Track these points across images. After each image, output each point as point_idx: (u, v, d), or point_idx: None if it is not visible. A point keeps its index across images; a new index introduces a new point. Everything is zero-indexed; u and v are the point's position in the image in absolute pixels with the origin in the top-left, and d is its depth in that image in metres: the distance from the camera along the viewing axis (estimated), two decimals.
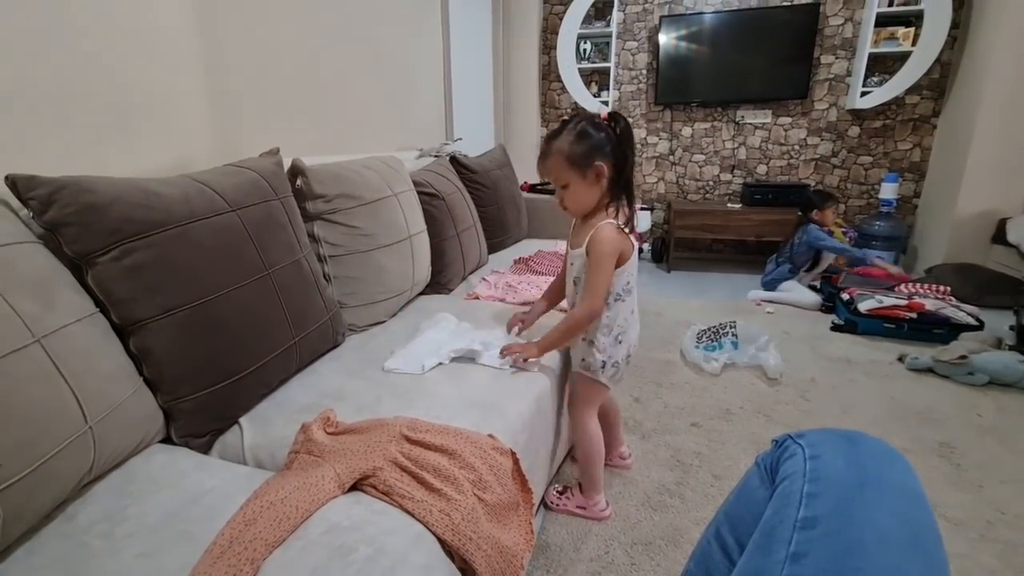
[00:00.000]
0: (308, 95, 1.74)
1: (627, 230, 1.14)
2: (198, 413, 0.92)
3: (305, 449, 0.86)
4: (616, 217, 1.13)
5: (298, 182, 1.31)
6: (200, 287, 0.91)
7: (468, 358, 1.21)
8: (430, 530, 0.73)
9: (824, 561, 0.40)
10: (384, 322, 1.47)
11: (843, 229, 3.45)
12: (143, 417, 0.86)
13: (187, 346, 0.89)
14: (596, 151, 1.09)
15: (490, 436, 0.92)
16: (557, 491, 1.35)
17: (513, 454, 0.91)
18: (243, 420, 0.98)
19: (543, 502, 1.32)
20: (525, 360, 1.19)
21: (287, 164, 1.30)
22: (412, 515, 0.74)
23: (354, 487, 0.79)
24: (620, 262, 1.14)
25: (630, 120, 3.82)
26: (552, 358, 1.26)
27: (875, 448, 0.48)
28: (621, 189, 1.13)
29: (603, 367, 1.20)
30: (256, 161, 1.16)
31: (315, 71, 1.76)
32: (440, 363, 1.18)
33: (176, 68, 1.26)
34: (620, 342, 1.20)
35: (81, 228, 0.80)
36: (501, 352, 1.20)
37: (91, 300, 0.82)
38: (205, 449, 0.95)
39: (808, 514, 0.43)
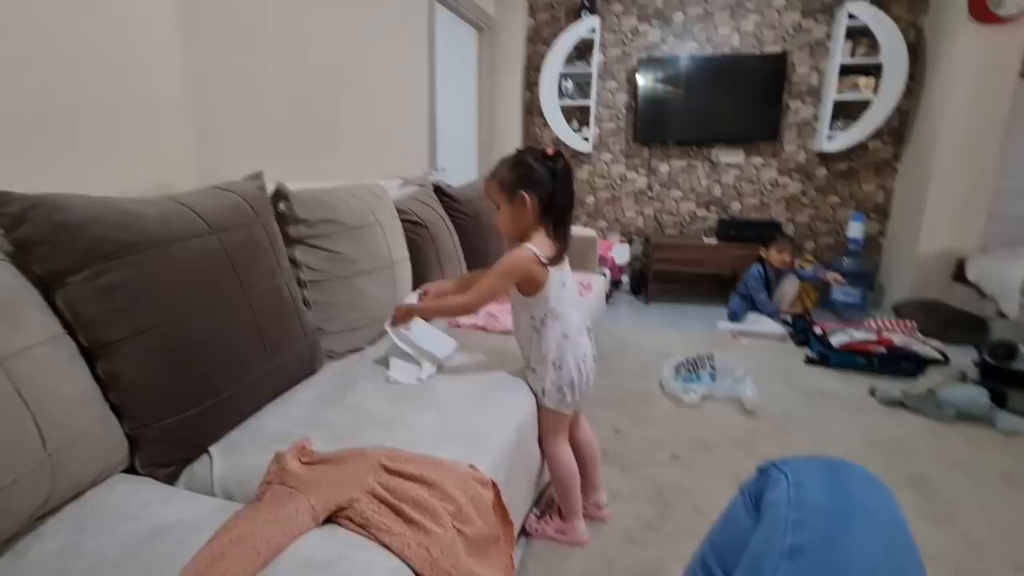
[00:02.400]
0: (292, 121, 1.75)
1: (546, 261, 1.15)
2: (165, 441, 0.88)
3: (278, 480, 0.83)
4: (546, 245, 1.17)
5: (281, 206, 1.30)
6: (175, 310, 0.89)
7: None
8: (408, 564, 0.70)
9: None
10: (363, 349, 1.45)
11: (812, 266, 3.57)
12: (106, 445, 0.82)
13: (158, 370, 0.86)
14: (526, 181, 1.15)
15: (471, 466, 0.90)
16: (536, 515, 1.35)
17: (494, 485, 0.89)
18: (213, 449, 0.94)
19: (523, 529, 1.29)
20: (397, 314, 1.29)
21: (270, 188, 1.29)
22: (389, 548, 0.71)
23: (329, 519, 0.76)
24: (533, 289, 1.18)
25: (610, 155, 3.95)
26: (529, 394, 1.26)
27: (858, 476, 0.49)
28: (552, 222, 1.18)
29: (545, 393, 1.21)
30: (239, 184, 1.15)
31: (300, 98, 1.77)
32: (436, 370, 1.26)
33: (159, 89, 1.25)
34: (559, 368, 1.20)
35: (53, 247, 0.78)
36: (396, 308, 1.32)
37: (58, 321, 0.79)
38: (171, 480, 0.90)
39: (794, 542, 0.43)
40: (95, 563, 0.65)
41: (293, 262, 1.30)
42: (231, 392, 0.96)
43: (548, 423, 1.25)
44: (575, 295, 1.27)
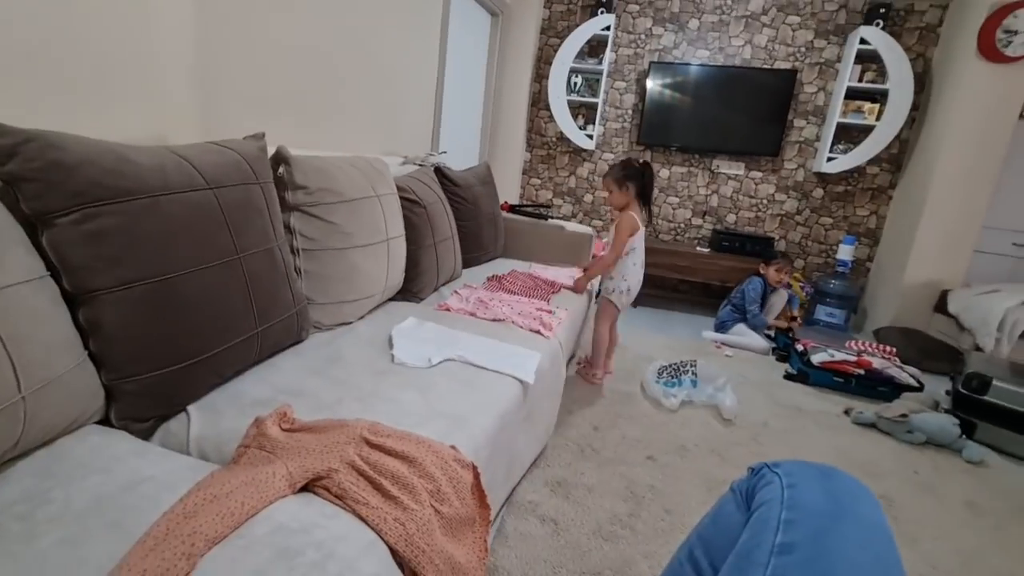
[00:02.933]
0: (299, 86, 1.71)
1: (641, 220, 2.12)
2: (143, 396, 0.86)
3: (257, 444, 0.82)
4: (637, 213, 2.12)
5: (280, 170, 1.27)
6: (164, 263, 0.86)
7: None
8: (383, 539, 0.70)
9: None
10: (351, 323, 1.43)
11: (800, 284, 3.61)
12: (82, 394, 0.80)
13: (141, 323, 0.84)
14: (629, 178, 2.09)
15: (452, 447, 0.89)
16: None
17: (474, 468, 0.89)
18: (191, 408, 0.93)
19: (497, 515, 1.29)
20: (586, 281, 2.21)
21: (271, 151, 1.26)
22: (365, 521, 0.71)
23: (306, 488, 0.75)
24: (631, 235, 2.10)
25: (612, 155, 3.95)
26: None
27: (848, 483, 0.49)
28: (641, 202, 2.13)
29: (614, 292, 2.18)
30: (240, 143, 1.12)
31: (308, 63, 1.74)
32: (449, 359, 1.24)
33: (164, 37, 1.22)
34: (625, 279, 2.16)
35: (43, 185, 0.75)
36: (575, 282, 2.21)
37: (43, 263, 0.77)
38: (146, 435, 0.89)
39: (785, 540, 0.44)
40: (62, 511, 0.64)
41: (288, 228, 1.28)
42: (215, 352, 0.95)
43: (605, 310, 2.21)
44: (641, 249, 2.18)
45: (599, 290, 2.29)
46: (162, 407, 0.90)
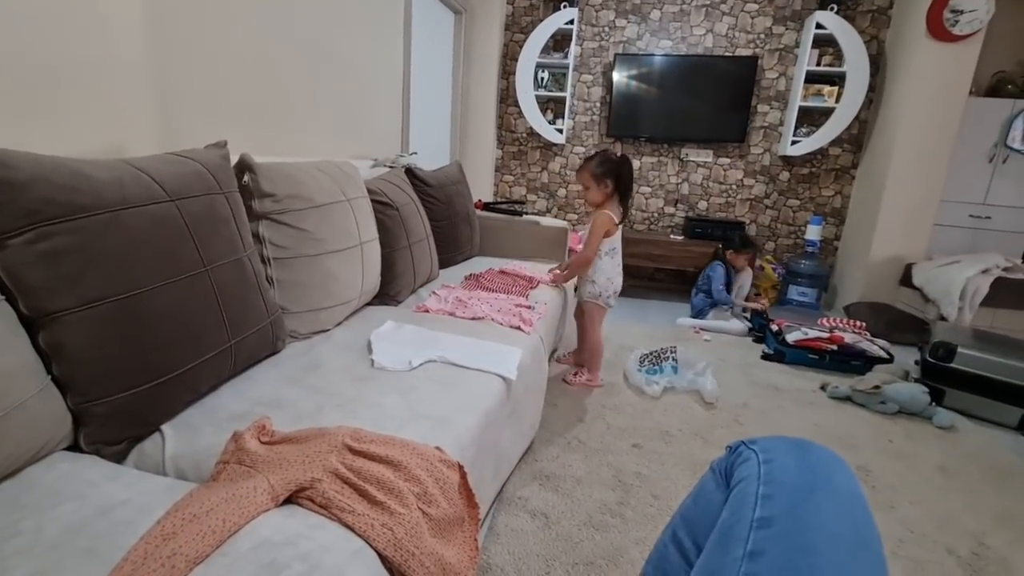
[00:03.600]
0: (260, 93, 1.68)
1: (617, 220, 2.02)
2: (113, 418, 0.84)
3: (235, 459, 0.80)
4: (614, 211, 2.02)
5: (245, 179, 1.25)
6: (127, 279, 0.84)
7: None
8: (371, 545, 0.69)
9: (780, 559, 0.41)
10: (328, 330, 1.41)
11: (772, 266, 3.70)
12: (47, 420, 0.77)
13: (106, 343, 0.82)
14: (607, 173, 1.99)
15: (437, 449, 0.89)
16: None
17: (461, 467, 0.89)
18: (165, 427, 0.90)
19: (487, 513, 1.29)
20: (564, 279, 2.17)
21: (234, 159, 1.23)
22: (352, 529, 0.70)
23: (289, 500, 0.74)
24: (607, 235, 2.03)
25: (583, 149, 3.98)
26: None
27: (822, 455, 0.51)
28: (619, 198, 2.03)
29: (600, 295, 2.10)
30: (201, 152, 1.09)
31: (269, 69, 1.70)
32: (430, 360, 1.23)
33: (116, 48, 1.18)
34: (610, 280, 2.09)
35: None
36: (549, 273, 2.18)
37: None
38: (119, 458, 0.86)
39: (764, 514, 0.45)
40: (32, 542, 0.61)
41: (257, 237, 1.25)
42: (187, 368, 0.92)
43: (595, 314, 2.13)
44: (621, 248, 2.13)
45: (576, 287, 2.25)
46: (134, 428, 0.87)
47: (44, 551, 0.60)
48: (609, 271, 2.07)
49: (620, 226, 2.05)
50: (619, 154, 2.01)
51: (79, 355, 0.80)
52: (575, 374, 2.18)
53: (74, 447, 0.83)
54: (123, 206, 0.85)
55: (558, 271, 2.18)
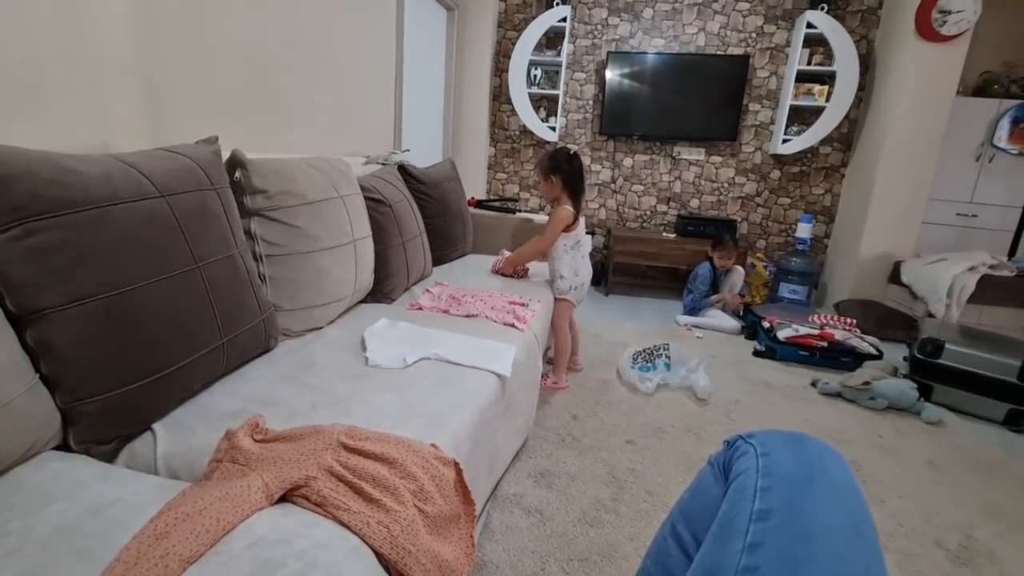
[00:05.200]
0: (250, 89, 1.66)
1: (575, 213, 2.02)
2: (104, 416, 0.82)
3: (229, 457, 0.79)
4: (572, 206, 2.01)
5: (237, 175, 1.23)
6: (117, 276, 0.82)
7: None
8: (367, 543, 0.69)
9: (779, 549, 0.42)
10: (321, 328, 1.40)
11: (764, 263, 3.72)
12: (36, 419, 0.76)
13: (96, 341, 0.80)
14: (555, 169, 2.00)
15: (433, 446, 0.89)
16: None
17: (456, 464, 0.88)
18: (157, 426, 0.89)
19: (482, 510, 1.29)
20: (509, 267, 2.15)
21: (225, 155, 1.22)
22: (348, 527, 0.69)
23: (284, 498, 0.73)
24: (568, 229, 2.03)
25: (577, 147, 3.98)
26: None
27: (818, 447, 0.51)
28: (569, 193, 2.02)
29: (570, 289, 2.06)
30: (191, 148, 1.08)
31: (260, 64, 1.68)
32: (424, 358, 1.22)
33: (104, 43, 1.16)
34: (576, 274, 2.06)
35: None
36: (493, 268, 2.18)
37: None
38: (109, 458, 0.85)
39: (762, 506, 0.45)
40: (22, 542, 0.60)
41: (249, 234, 1.24)
42: (178, 367, 0.91)
43: (561, 309, 2.06)
44: (587, 242, 2.13)
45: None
46: (125, 427, 0.86)
47: (34, 551, 0.59)
48: (575, 264, 2.05)
49: (579, 220, 2.04)
50: (571, 151, 2.03)
51: (68, 353, 0.78)
52: (543, 376, 2.01)
53: (63, 446, 0.81)
54: (112, 202, 0.83)
55: (505, 262, 2.13)
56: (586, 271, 2.08)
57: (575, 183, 2.00)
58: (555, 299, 2.06)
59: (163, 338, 0.89)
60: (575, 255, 2.04)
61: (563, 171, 1.97)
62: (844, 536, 0.42)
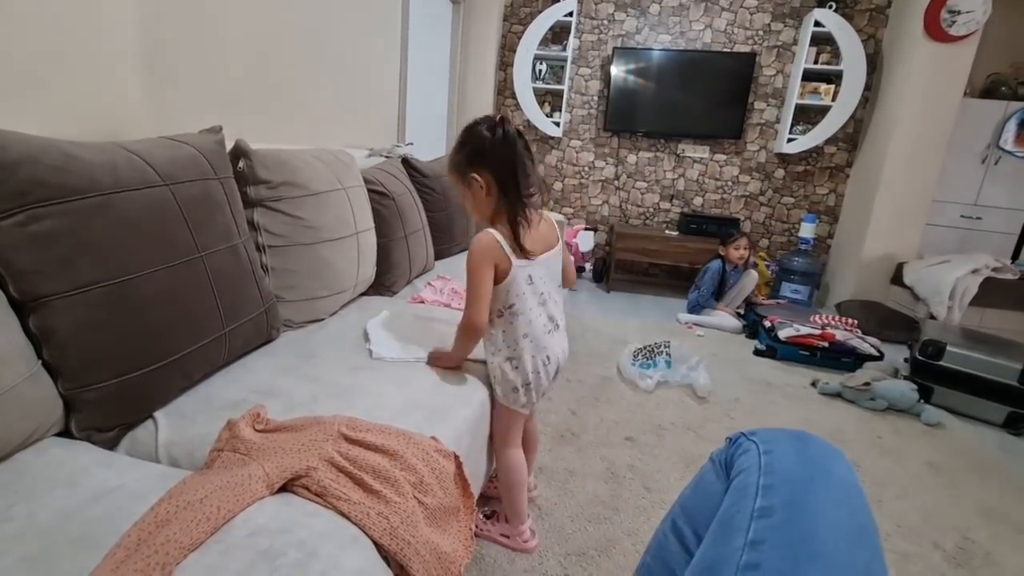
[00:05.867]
0: (255, 79, 1.65)
1: (507, 245, 1.02)
2: (105, 404, 0.83)
3: (230, 447, 0.79)
4: (507, 229, 1.03)
5: (240, 164, 1.23)
6: (120, 264, 0.82)
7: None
8: (366, 533, 0.69)
9: (780, 547, 0.42)
10: (323, 320, 1.40)
11: (766, 263, 3.72)
12: (38, 406, 0.76)
13: (98, 328, 0.80)
14: (474, 159, 1.03)
15: (433, 438, 0.89)
16: (484, 515, 1.26)
17: (456, 457, 0.89)
18: (158, 414, 0.89)
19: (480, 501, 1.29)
20: (446, 362, 1.16)
21: (229, 145, 1.21)
22: (347, 517, 0.70)
23: (285, 488, 0.73)
24: (499, 278, 1.04)
25: (579, 143, 3.95)
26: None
27: (821, 446, 0.51)
28: (507, 201, 1.03)
29: (510, 391, 1.09)
30: (195, 136, 1.08)
31: (265, 55, 1.68)
32: (426, 356, 1.19)
33: (110, 31, 1.15)
34: (516, 367, 1.08)
35: None
36: (429, 360, 1.18)
37: None
38: (111, 445, 0.85)
39: (764, 504, 0.45)
40: (24, 528, 0.60)
41: (252, 225, 1.24)
42: (180, 355, 0.91)
43: (501, 420, 1.14)
44: (552, 289, 1.11)
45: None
46: (126, 415, 0.86)
47: (36, 537, 0.59)
48: (508, 344, 1.09)
49: (527, 257, 1.05)
50: (497, 118, 1.04)
51: (70, 340, 0.78)
52: (488, 516, 1.27)
53: (65, 433, 0.82)
54: (116, 189, 0.83)
55: (436, 359, 1.18)
56: (543, 357, 1.10)
57: (511, 176, 1.03)
58: (495, 401, 1.15)
59: (165, 327, 0.89)
60: (508, 328, 1.08)
61: (490, 158, 1.03)
62: (845, 534, 0.42)
